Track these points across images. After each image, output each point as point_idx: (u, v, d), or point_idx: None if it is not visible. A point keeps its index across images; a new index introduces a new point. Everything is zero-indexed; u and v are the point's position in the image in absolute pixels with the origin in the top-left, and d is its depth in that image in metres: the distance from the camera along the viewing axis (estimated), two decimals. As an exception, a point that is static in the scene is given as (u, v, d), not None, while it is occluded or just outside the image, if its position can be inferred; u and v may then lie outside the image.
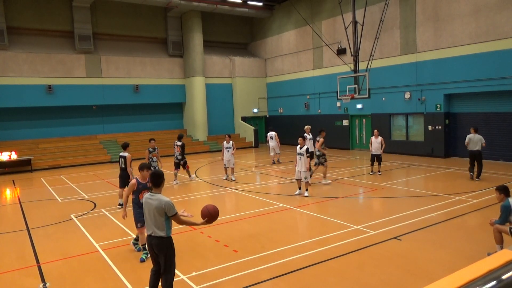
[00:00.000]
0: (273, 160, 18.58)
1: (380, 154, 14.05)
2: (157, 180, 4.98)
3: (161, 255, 4.96)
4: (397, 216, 8.85)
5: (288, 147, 23.93)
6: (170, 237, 5.01)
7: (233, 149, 14.41)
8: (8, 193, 14.39)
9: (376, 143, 14.02)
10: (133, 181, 6.93)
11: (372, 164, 14.36)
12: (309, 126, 15.47)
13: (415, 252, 6.70)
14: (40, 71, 21.76)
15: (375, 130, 14.43)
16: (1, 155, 18.89)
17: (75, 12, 22.75)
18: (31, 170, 19.50)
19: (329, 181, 13.12)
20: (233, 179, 14.34)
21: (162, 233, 4.90)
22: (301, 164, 11.20)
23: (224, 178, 14.62)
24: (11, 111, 21.52)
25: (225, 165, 14.54)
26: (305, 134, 15.52)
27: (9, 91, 20.84)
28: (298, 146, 11.39)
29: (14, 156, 19.15)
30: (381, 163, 14.33)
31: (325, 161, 13.07)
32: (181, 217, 5.04)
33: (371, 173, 14.36)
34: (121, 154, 10.74)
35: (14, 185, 15.88)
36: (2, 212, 11.45)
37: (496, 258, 2.51)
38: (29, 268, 6.73)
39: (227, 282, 5.78)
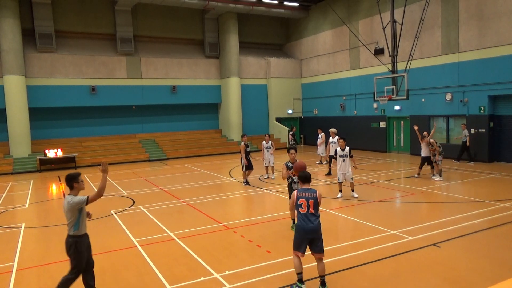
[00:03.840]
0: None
1: (428, 157, 13.63)
2: (68, 183, 5.24)
3: (67, 253, 5.18)
4: (436, 222, 8.55)
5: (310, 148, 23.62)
6: (74, 236, 5.13)
7: (273, 148, 14.77)
8: (54, 188, 15.21)
9: (424, 145, 13.65)
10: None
11: (420, 167, 14.00)
12: (334, 129, 15.40)
13: (455, 260, 6.45)
14: (84, 73, 22.83)
15: (425, 132, 13.96)
16: (49, 152, 20.00)
17: (117, 15, 23.68)
18: (75, 166, 20.50)
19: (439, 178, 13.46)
20: (273, 177, 14.70)
21: (69, 232, 5.15)
22: (346, 165, 11.08)
23: (265, 177, 14.91)
24: (58, 110, 22.73)
25: (265, 164, 14.89)
26: (330, 137, 15.46)
27: (57, 91, 22.04)
28: (339, 148, 11.24)
29: (60, 154, 20.22)
30: (424, 166, 13.97)
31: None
32: (93, 193, 5.17)
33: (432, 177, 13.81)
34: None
35: (60, 181, 16.77)
36: (49, 206, 12.14)
37: (542, 270, 2.38)
38: (73, 260, 7.09)
39: (260, 283, 5.82)
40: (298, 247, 5.50)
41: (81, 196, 5.14)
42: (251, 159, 13.95)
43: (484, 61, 16.79)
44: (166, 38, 26.12)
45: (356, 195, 11.19)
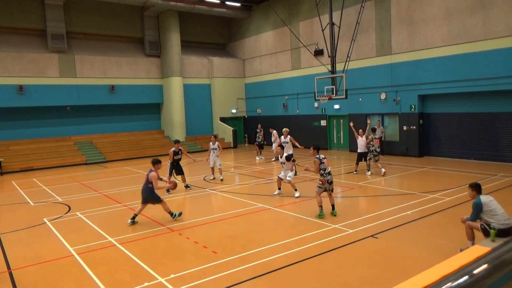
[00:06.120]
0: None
1: (367, 153, 14.30)
2: None
3: None
4: (373, 215, 9.00)
5: (266, 147, 23.95)
6: None
7: (219, 150, 14.25)
8: (-23, 197, 13.82)
9: (362, 141, 14.25)
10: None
11: (357, 163, 14.67)
12: (287, 129, 15.63)
13: (392, 250, 6.84)
14: (10, 71, 21.03)
15: (360, 130, 14.62)
16: (-31, 157, 18.16)
17: (47, 10, 22.09)
18: (1, 173, 18.82)
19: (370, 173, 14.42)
20: (221, 179, 14.28)
21: None
22: (287, 165, 11.30)
23: (211, 178, 14.45)
24: (-21, 112, 20.72)
25: (210, 165, 14.39)
26: (282, 136, 15.66)
27: (-22, 91, 20.07)
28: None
29: (-17, 159, 18.43)
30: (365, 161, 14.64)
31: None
32: None
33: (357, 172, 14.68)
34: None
35: (-16, 188, 15.29)
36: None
37: (468, 254, 2.58)
38: (0, 274, 6.49)
39: (207, 284, 5.74)
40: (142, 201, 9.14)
41: None
42: (181, 165, 13.00)
43: (414, 63, 18.02)
44: (103, 36, 24.87)
45: (297, 195, 11.18)
